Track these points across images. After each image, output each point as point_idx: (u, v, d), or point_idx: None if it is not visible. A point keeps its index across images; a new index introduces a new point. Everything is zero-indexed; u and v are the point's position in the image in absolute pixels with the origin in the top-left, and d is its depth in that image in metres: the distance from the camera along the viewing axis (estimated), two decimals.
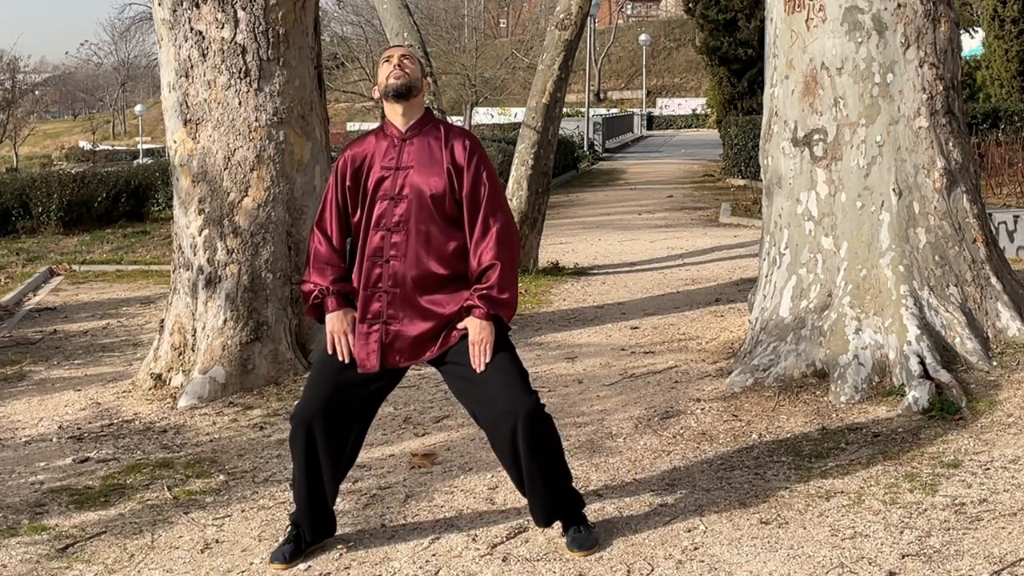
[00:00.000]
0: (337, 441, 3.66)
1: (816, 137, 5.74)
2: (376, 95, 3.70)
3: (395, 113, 3.67)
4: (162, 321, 6.56)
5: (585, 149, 30.40)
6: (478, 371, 3.54)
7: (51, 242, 14.63)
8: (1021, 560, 3.43)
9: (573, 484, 3.80)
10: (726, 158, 22.35)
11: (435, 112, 10.11)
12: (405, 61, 3.63)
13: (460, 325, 3.59)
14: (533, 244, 10.14)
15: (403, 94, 3.61)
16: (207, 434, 5.44)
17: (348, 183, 3.68)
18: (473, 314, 3.55)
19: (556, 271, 10.17)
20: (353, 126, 46.69)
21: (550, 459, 3.62)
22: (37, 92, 55.63)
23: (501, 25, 55.85)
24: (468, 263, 3.61)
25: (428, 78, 3.79)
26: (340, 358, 3.64)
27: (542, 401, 3.64)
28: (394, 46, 3.76)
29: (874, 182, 5.60)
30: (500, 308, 3.55)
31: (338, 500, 4.21)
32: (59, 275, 11.55)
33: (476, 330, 3.54)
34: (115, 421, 5.75)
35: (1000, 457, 4.34)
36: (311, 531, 3.79)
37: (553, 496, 3.67)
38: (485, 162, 3.65)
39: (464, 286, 3.62)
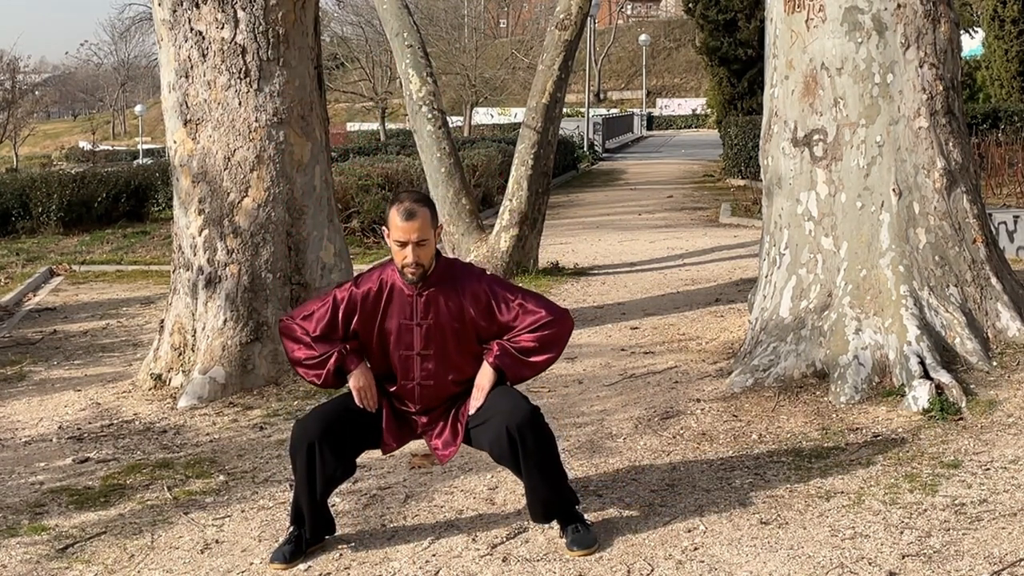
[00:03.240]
0: (337, 459, 3.73)
1: (816, 137, 5.74)
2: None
3: None
4: (162, 321, 6.56)
5: (585, 149, 30.39)
6: (471, 412, 3.72)
7: (51, 242, 14.63)
8: (1021, 560, 3.43)
9: (570, 484, 3.84)
10: (726, 158, 22.34)
11: (435, 112, 10.15)
12: (420, 255, 3.62)
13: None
14: (533, 244, 10.14)
15: (419, 281, 3.69)
16: (207, 434, 5.44)
17: (355, 325, 3.75)
18: (490, 362, 3.72)
19: (556, 271, 10.17)
20: (353, 126, 46.72)
21: (548, 460, 3.68)
22: (37, 92, 55.63)
23: (501, 25, 55.83)
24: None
25: (440, 226, 3.83)
26: (370, 409, 3.76)
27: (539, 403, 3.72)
28: (406, 217, 3.60)
29: (874, 182, 5.60)
30: (513, 371, 3.73)
31: (338, 500, 4.23)
32: (59, 275, 11.55)
33: (487, 377, 3.72)
34: (115, 421, 5.75)
35: (1000, 457, 4.34)
36: (312, 531, 3.83)
37: (553, 493, 3.72)
38: (502, 286, 3.79)
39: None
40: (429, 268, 3.68)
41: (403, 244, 3.62)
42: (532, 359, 3.72)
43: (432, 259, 3.68)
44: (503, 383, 3.73)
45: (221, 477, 4.75)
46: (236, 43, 6.18)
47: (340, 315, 3.75)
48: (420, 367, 3.74)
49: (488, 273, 3.85)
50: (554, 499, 3.72)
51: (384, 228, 3.72)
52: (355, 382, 3.75)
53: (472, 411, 3.72)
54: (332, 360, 3.73)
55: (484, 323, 3.71)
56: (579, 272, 10.29)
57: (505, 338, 3.71)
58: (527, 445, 3.59)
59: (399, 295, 3.72)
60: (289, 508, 4.19)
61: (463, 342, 3.73)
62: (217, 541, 4.03)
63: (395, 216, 3.61)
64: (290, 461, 3.78)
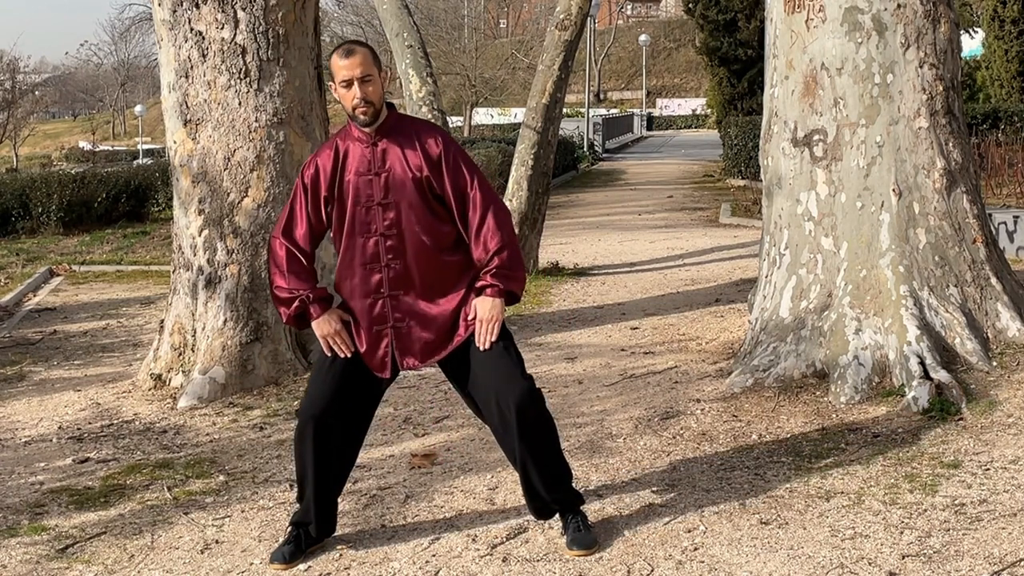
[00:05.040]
0: (344, 435, 3.71)
1: (816, 137, 5.74)
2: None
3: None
4: (162, 321, 6.56)
5: (585, 149, 30.38)
6: (482, 349, 3.59)
7: (51, 242, 14.63)
8: (1021, 560, 3.43)
9: (573, 483, 3.82)
10: (726, 158, 22.33)
11: (435, 112, 10.15)
12: (368, 91, 3.56)
13: (469, 311, 3.63)
14: (533, 244, 10.14)
15: (372, 122, 3.61)
16: (207, 434, 5.44)
17: (324, 192, 3.66)
18: (487, 293, 3.60)
19: (556, 271, 10.17)
20: None
21: (544, 446, 3.67)
22: (37, 92, 55.61)
23: (501, 25, 55.83)
24: (465, 255, 3.65)
25: (385, 70, 3.69)
26: (341, 356, 3.65)
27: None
28: (345, 55, 3.56)
29: (874, 182, 5.60)
30: (513, 283, 3.62)
31: (338, 500, 4.22)
32: (59, 275, 11.55)
33: (487, 308, 3.60)
34: (115, 421, 5.75)
35: (1000, 457, 4.34)
36: (317, 528, 3.81)
37: (548, 485, 3.70)
38: (461, 153, 3.67)
39: (464, 278, 3.66)
40: (380, 108, 3.60)
41: (348, 84, 3.55)
42: (517, 272, 3.63)
43: (381, 99, 3.61)
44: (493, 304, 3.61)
45: (221, 477, 4.75)
46: (236, 43, 6.18)
47: (310, 196, 3.66)
48: (382, 218, 3.59)
49: (453, 144, 3.70)
50: (551, 493, 3.71)
51: (330, 84, 3.67)
52: (321, 331, 3.65)
53: (484, 347, 3.59)
54: (293, 307, 3.66)
55: (435, 180, 3.60)
56: (579, 272, 10.29)
57: (483, 266, 3.61)
58: (523, 426, 3.56)
59: (355, 150, 3.64)
60: (289, 508, 4.19)
61: (423, 196, 3.60)
62: (217, 541, 4.03)
63: (336, 59, 3.58)
64: (295, 458, 3.76)
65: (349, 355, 3.66)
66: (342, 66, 3.56)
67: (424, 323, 3.65)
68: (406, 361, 3.68)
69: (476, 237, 3.61)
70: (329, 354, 3.68)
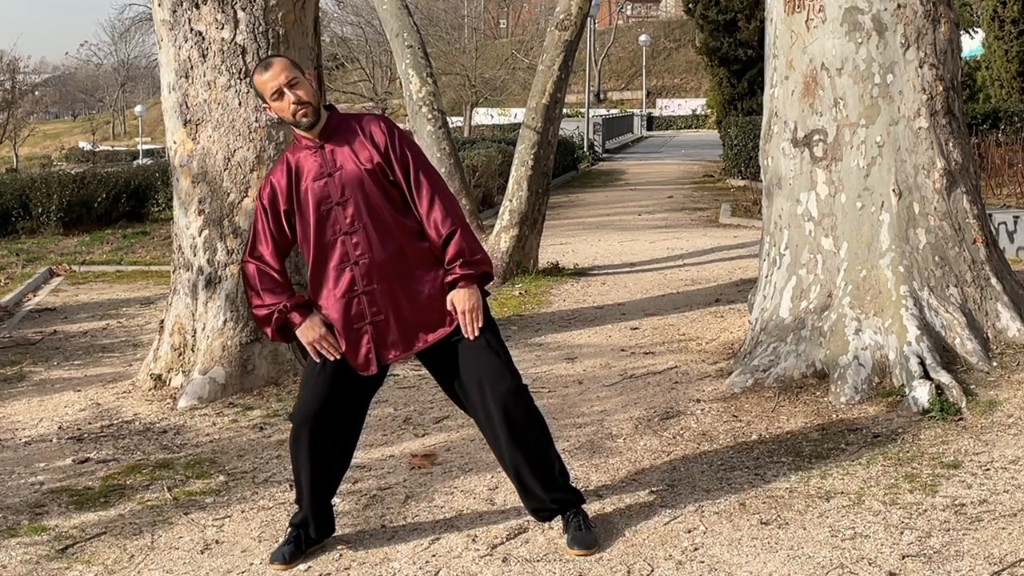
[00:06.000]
0: (338, 437, 3.72)
1: (816, 138, 5.74)
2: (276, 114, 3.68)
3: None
4: (162, 322, 6.56)
5: (585, 150, 30.39)
6: (471, 338, 3.60)
7: (51, 243, 14.63)
8: (1021, 561, 3.43)
9: (570, 482, 3.82)
10: (726, 159, 22.34)
11: (435, 112, 10.15)
12: (299, 93, 3.57)
13: (448, 305, 3.63)
14: (533, 244, 10.14)
15: (315, 122, 3.63)
16: (207, 435, 5.44)
17: (283, 207, 3.68)
18: (459, 286, 3.61)
19: (556, 271, 10.17)
20: None
21: (534, 445, 3.67)
22: (37, 93, 55.59)
23: (501, 26, 55.81)
24: (428, 237, 3.66)
25: (311, 72, 3.72)
26: (331, 359, 3.66)
27: (526, 383, 3.71)
28: (264, 69, 3.60)
29: (874, 183, 5.60)
30: (480, 266, 3.62)
31: (338, 500, 4.23)
32: (59, 276, 11.55)
33: (464, 299, 3.60)
34: (115, 422, 5.75)
35: (1000, 458, 4.34)
36: (316, 530, 3.82)
37: (544, 485, 3.71)
38: (404, 138, 3.69)
39: (435, 261, 3.65)
40: (318, 108, 3.63)
41: (279, 94, 3.58)
42: (477, 254, 3.63)
43: (317, 99, 3.63)
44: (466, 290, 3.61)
45: (221, 477, 4.75)
46: (236, 43, 6.18)
47: (270, 214, 3.69)
48: (344, 217, 3.61)
49: (396, 129, 3.71)
50: (546, 492, 3.72)
51: (264, 106, 3.70)
52: (306, 337, 3.66)
53: (471, 335, 3.60)
54: (273, 320, 3.68)
55: (387, 167, 3.62)
56: (579, 272, 10.29)
57: (443, 254, 3.61)
58: (510, 424, 3.58)
59: (306, 159, 3.66)
60: (289, 509, 4.19)
61: (379, 186, 3.61)
62: (217, 541, 4.03)
63: (257, 77, 3.62)
64: (291, 459, 3.77)
65: (337, 357, 3.66)
66: (266, 79, 3.59)
67: (402, 312, 3.65)
68: (390, 354, 3.67)
69: (427, 220, 3.62)
70: (318, 359, 3.68)
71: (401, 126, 4.11)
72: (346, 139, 3.65)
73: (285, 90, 3.57)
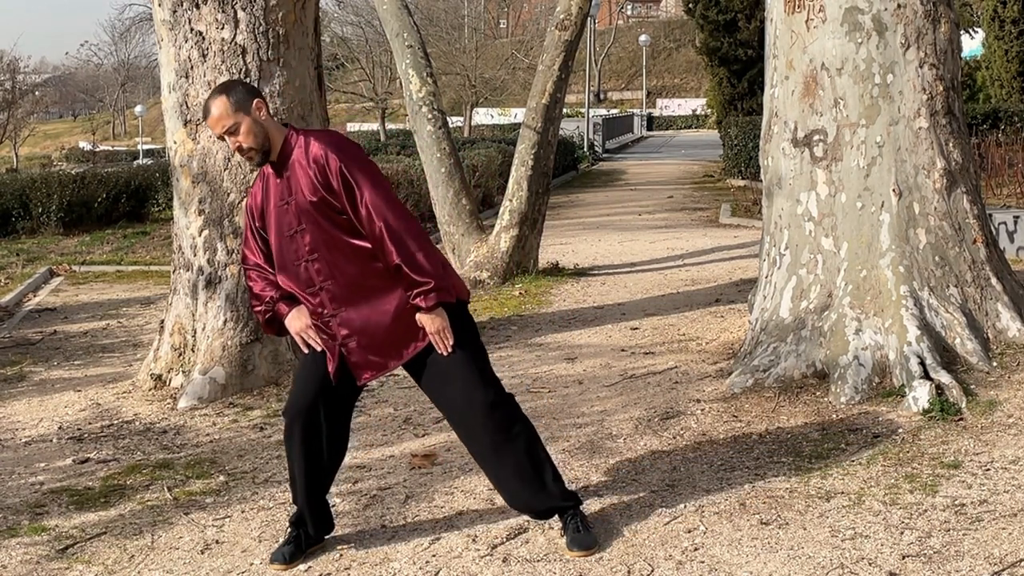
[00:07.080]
0: (330, 430, 3.73)
1: (816, 138, 5.74)
2: None
3: None
4: (162, 322, 6.56)
5: (585, 150, 30.39)
6: (445, 355, 3.60)
7: (51, 243, 14.63)
8: (1021, 561, 3.43)
9: (565, 485, 3.81)
10: (726, 159, 22.33)
11: (435, 112, 10.14)
12: (238, 141, 3.55)
13: (418, 323, 3.61)
14: (533, 245, 10.14)
15: (263, 161, 3.64)
16: (207, 435, 5.44)
17: (257, 223, 3.74)
18: (421, 312, 3.58)
19: (556, 272, 10.17)
20: (353, 127, 46.68)
21: (522, 456, 3.67)
22: (37, 93, 55.57)
23: (501, 26, 55.80)
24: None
25: (254, 113, 3.60)
26: (318, 349, 3.69)
27: (508, 392, 3.72)
28: (204, 116, 3.61)
29: (874, 183, 5.60)
30: (432, 296, 3.55)
31: (338, 500, 4.23)
32: (59, 276, 11.55)
33: (429, 322, 3.59)
34: (115, 422, 5.75)
35: (1000, 458, 4.34)
36: (314, 528, 3.83)
37: (533, 492, 3.70)
38: (350, 163, 3.57)
39: (397, 276, 3.61)
40: (264, 146, 3.59)
41: (222, 137, 3.60)
42: (426, 278, 3.55)
43: (262, 139, 3.58)
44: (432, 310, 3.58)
45: (221, 477, 4.75)
46: (236, 43, 6.18)
47: (256, 223, 3.73)
48: (303, 244, 3.61)
49: (339, 154, 3.58)
50: (534, 497, 3.72)
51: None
52: (293, 327, 3.71)
53: (445, 352, 3.60)
54: (263, 312, 3.75)
55: (332, 199, 3.56)
56: (579, 272, 10.29)
57: (401, 280, 3.58)
58: (492, 433, 3.61)
59: (272, 181, 3.68)
60: (289, 509, 4.19)
61: (327, 217, 3.57)
62: (217, 541, 4.03)
63: (204, 116, 3.65)
64: (286, 454, 3.78)
65: (320, 349, 3.70)
66: (208, 124, 3.62)
67: (373, 333, 3.64)
68: (365, 374, 3.69)
69: (379, 251, 3.57)
70: (306, 350, 3.72)
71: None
72: (300, 167, 3.61)
73: (226, 137, 3.59)
